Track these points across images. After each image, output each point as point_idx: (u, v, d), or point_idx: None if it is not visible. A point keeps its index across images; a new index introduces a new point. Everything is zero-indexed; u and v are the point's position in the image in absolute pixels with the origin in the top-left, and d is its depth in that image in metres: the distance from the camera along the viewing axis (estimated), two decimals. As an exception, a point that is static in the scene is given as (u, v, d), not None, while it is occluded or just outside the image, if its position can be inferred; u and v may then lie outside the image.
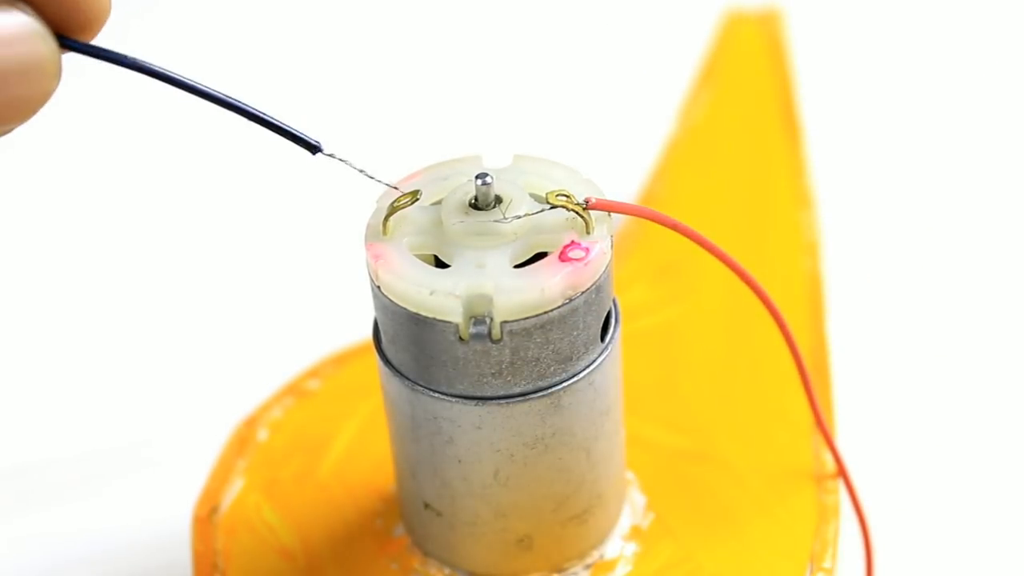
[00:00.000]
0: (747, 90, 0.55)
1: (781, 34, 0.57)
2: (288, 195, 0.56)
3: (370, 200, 0.33)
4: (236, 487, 0.39)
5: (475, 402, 0.32)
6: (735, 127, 0.53)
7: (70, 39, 0.29)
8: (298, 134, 0.30)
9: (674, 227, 0.33)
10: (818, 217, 0.48)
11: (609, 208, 0.32)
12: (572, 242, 0.31)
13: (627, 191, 0.50)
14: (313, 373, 0.42)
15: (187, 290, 0.54)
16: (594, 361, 0.33)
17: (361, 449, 0.40)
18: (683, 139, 0.52)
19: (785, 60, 0.56)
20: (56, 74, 0.28)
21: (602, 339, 0.33)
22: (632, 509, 0.37)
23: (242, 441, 0.40)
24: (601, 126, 0.60)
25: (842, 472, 0.38)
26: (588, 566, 0.36)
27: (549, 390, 0.32)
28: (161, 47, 0.70)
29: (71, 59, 0.29)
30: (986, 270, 0.52)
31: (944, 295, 0.51)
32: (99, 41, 0.30)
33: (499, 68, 0.63)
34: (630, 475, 0.38)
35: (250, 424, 0.41)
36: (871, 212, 0.55)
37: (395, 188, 0.32)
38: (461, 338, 0.31)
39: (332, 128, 0.62)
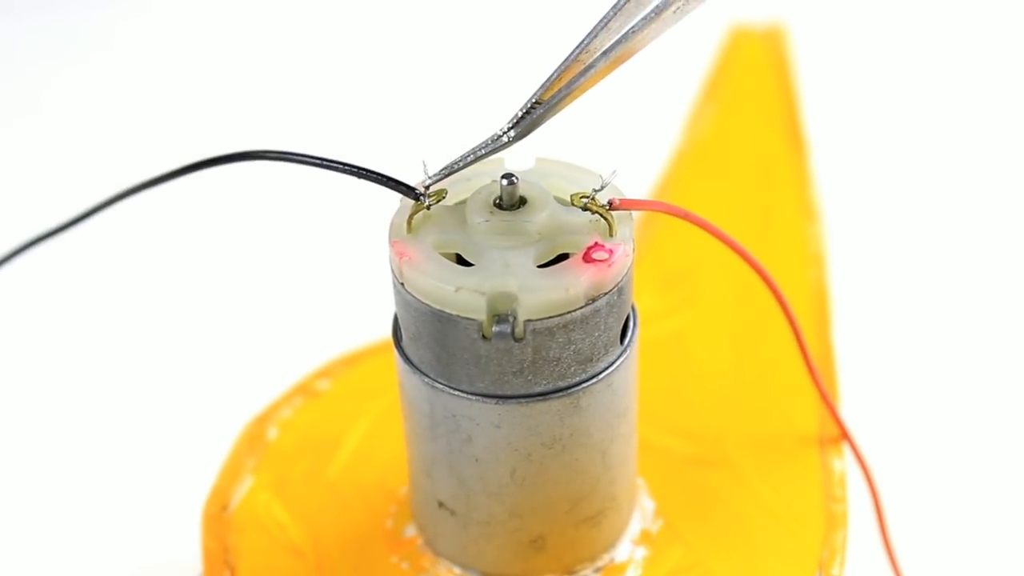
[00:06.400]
0: (752, 104, 0.55)
1: (785, 49, 0.57)
2: (300, 197, 0.56)
3: (381, 204, 0.33)
4: (246, 485, 0.39)
5: (495, 400, 0.32)
6: (740, 141, 0.53)
7: None
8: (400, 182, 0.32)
9: (685, 216, 0.33)
10: (823, 229, 0.48)
11: (633, 206, 0.32)
12: (596, 243, 0.32)
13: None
14: (323, 373, 0.42)
15: (198, 290, 0.54)
16: (613, 363, 0.33)
17: (370, 450, 0.40)
18: (689, 152, 0.53)
19: (789, 75, 0.56)
20: None
21: (621, 341, 0.33)
22: (642, 514, 0.38)
23: (252, 439, 0.40)
24: (607, 139, 0.60)
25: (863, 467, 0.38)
26: (599, 569, 0.36)
27: (569, 390, 0.32)
28: (165, 47, 0.70)
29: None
30: (990, 280, 0.53)
31: (949, 306, 0.51)
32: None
33: (512, 81, 0.63)
34: (640, 481, 0.38)
35: (260, 423, 0.41)
36: (876, 224, 0.55)
37: None
38: (484, 336, 0.31)
39: (360, 131, 0.62)
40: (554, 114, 0.31)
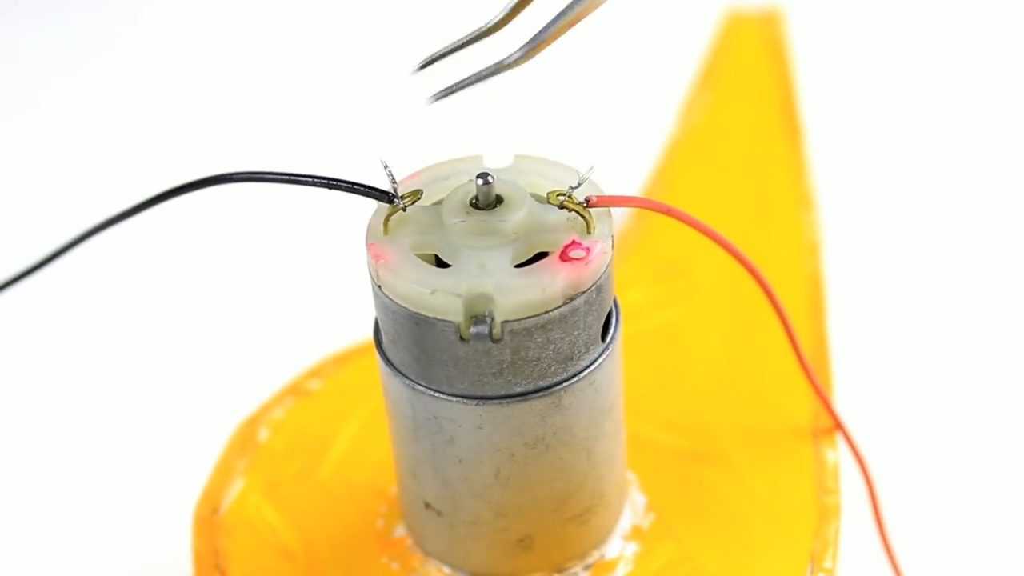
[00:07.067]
0: (747, 90, 0.55)
1: (781, 34, 0.57)
2: (289, 195, 0.56)
3: (370, 201, 0.33)
4: (237, 487, 0.39)
5: (476, 402, 0.32)
6: (736, 127, 0.53)
7: None
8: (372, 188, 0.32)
9: (667, 212, 0.33)
10: (819, 217, 0.48)
11: (610, 203, 0.32)
12: (573, 242, 0.31)
13: (628, 192, 0.50)
14: (314, 373, 0.42)
15: (188, 290, 0.54)
16: (595, 361, 0.33)
17: (362, 449, 0.40)
18: (684, 139, 0.52)
19: (785, 60, 0.56)
20: None
21: (603, 339, 0.33)
22: (633, 509, 0.37)
23: (243, 441, 0.40)
24: (602, 126, 0.60)
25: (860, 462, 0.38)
26: (589, 566, 0.36)
27: (550, 390, 0.32)
28: (161, 48, 0.70)
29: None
30: (985, 269, 0.52)
31: (944, 294, 0.51)
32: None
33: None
34: (631, 475, 0.38)
35: (251, 424, 0.41)
36: (872, 212, 0.55)
37: None
38: (462, 338, 0.31)
39: (334, 129, 0.62)
40: (563, 32, 0.30)
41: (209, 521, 0.38)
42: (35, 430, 0.49)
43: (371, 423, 0.41)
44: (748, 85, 0.55)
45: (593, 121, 0.61)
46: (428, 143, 0.55)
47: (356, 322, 0.41)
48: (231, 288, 0.54)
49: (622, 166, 0.53)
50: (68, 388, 0.51)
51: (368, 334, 0.37)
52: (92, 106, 0.66)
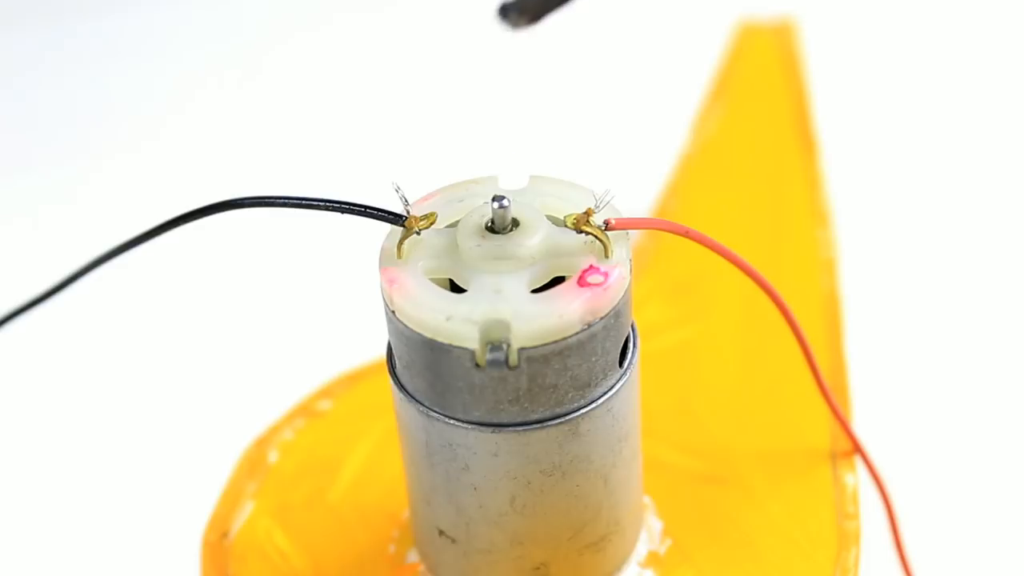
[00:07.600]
0: (761, 102, 0.54)
1: (795, 45, 0.56)
2: (300, 215, 0.56)
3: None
4: (246, 511, 0.38)
5: (491, 429, 0.31)
6: (749, 141, 0.52)
7: None
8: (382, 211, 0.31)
9: (685, 234, 0.32)
10: (835, 234, 0.47)
11: (629, 226, 0.31)
12: (591, 266, 0.31)
13: (641, 206, 0.50)
14: (324, 393, 0.42)
15: (199, 311, 0.54)
16: (612, 387, 0.32)
17: (374, 471, 0.39)
18: (697, 153, 0.52)
19: (799, 71, 0.55)
20: None
21: (620, 364, 0.32)
22: (649, 535, 0.37)
23: (252, 463, 0.40)
24: (615, 140, 0.60)
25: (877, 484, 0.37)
26: (604, 593, 0.35)
27: (567, 417, 0.31)
28: (171, 71, 0.69)
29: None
30: (1005, 286, 0.52)
31: (965, 312, 0.51)
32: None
33: (513, 83, 0.62)
34: (647, 500, 0.38)
35: (260, 446, 0.40)
36: (889, 228, 0.54)
37: None
38: (478, 365, 0.30)
39: (349, 149, 0.62)
40: None
41: (218, 546, 0.37)
42: (43, 452, 0.49)
43: (383, 445, 0.40)
44: (761, 97, 0.54)
45: (607, 135, 0.60)
46: (442, 162, 0.55)
47: (366, 341, 0.41)
48: (240, 308, 0.53)
49: (635, 179, 0.52)
50: (77, 410, 0.50)
51: (378, 353, 0.36)
52: (104, 132, 0.65)
